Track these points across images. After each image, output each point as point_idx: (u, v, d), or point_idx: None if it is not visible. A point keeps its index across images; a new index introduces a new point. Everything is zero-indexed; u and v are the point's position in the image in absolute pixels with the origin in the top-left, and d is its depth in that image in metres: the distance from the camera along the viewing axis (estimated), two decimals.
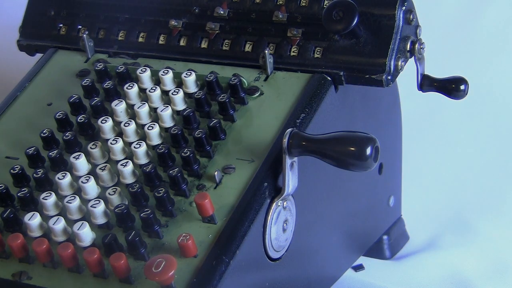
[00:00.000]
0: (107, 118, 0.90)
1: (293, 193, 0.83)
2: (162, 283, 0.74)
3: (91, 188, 0.84)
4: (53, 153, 0.88)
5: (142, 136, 0.89)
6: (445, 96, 0.94)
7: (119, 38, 1.01)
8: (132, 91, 0.93)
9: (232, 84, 0.90)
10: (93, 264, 0.77)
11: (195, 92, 0.91)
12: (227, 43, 0.96)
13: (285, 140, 0.80)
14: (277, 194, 0.82)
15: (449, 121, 1.34)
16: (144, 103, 0.90)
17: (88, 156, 0.88)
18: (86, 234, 0.80)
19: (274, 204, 0.82)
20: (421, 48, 0.92)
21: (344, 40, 0.91)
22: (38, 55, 1.05)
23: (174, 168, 0.83)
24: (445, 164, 1.28)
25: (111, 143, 0.87)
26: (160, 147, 0.85)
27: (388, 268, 1.08)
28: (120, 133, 0.89)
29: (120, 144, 0.87)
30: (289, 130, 0.81)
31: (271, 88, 0.91)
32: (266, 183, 0.82)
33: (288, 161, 0.81)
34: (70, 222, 0.82)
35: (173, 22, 0.99)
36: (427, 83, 0.94)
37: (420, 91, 0.95)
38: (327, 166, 0.82)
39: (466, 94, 0.93)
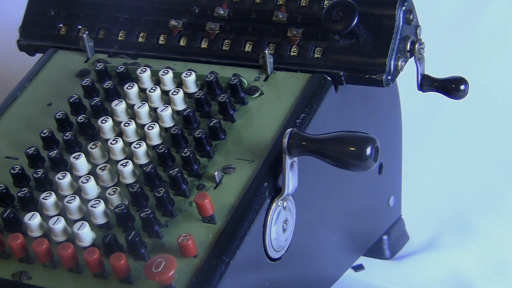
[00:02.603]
0: (107, 118, 0.90)
1: (293, 193, 0.83)
2: (162, 283, 0.74)
3: (91, 188, 0.84)
4: (53, 153, 0.88)
5: (142, 136, 0.89)
6: (445, 96, 0.94)
7: (119, 38, 1.01)
8: (132, 91, 0.93)
9: (232, 84, 0.90)
10: (93, 264, 0.77)
11: (195, 92, 0.91)
12: (227, 43, 0.96)
13: (285, 140, 0.80)
14: (277, 194, 0.82)
15: (449, 121, 1.34)
16: (144, 103, 0.90)
17: (88, 156, 0.88)
18: (86, 234, 0.80)
19: (274, 204, 0.82)
20: (421, 48, 0.92)
21: (344, 40, 0.91)
22: (38, 55, 1.06)
23: (174, 168, 0.83)
24: (445, 164, 1.28)
25: (111, 143, 0.87)
26: (160, 147, 0.85)
27: (388, 268, 1.08)
28: (120, 133, 0.89)
29: (120, 144, 0.87)
30: (289, 130, 0.81)
31: (271, 88, 0.91)
32: (266, 183, 0.82)
33: (288, 161, 0.81)
34: (70, 222, 0.82)
35: (173, 22, 0.99)
36: (427, 83, 0.94)
37: (420, 91, 0.95)
38: (327, 166, 0.82)
39: (466, 94, 0.93)
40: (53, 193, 0.84)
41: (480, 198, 1.21)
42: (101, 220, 0.82)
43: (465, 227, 1.15)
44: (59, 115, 0.92)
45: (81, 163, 0.87)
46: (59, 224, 0.81)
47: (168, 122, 0.89)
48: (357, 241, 1.03)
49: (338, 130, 0.81)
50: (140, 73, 0.94)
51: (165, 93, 0.92)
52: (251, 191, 0.82)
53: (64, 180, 0.85)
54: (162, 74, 0.92)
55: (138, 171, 0.86)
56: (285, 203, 0.83)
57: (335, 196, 0.94)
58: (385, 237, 1.09)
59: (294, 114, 0.87)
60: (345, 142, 0.79)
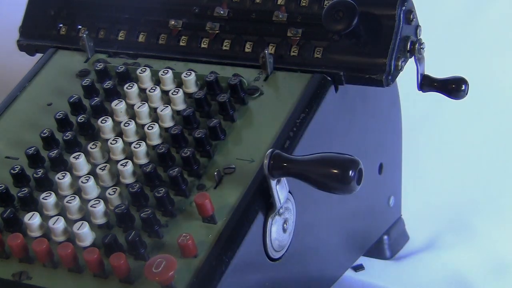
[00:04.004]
0: (107, 118, 0.90)
1: (285, 203, 0.83)
2: (162, 283, 0.74)
3: (91, 188, 0.84)
4: (53, 153, 0.88)
5: (142, 136, 0.89)
6: (445, 96, 0.94)
7: (119, 38, 1.01)
8: (132, 91, 0.93)
9: (232, 84, 0.90)
10: (93, 264, 0.77)
11: (195, 92, 0.91)
12: (227, 43, 0.96)
13: (266, 162, 0.79)
14: None
15: (449, 121, 1.34)
16: (144, 103, 0.90)
17: (88, 156, 0.88)
18: (86, 234, 0.80)
19: (270, 218, 0.81)
20: (421, 48, 0.92)
21: (344, 40, 0.91)
22: (38, 55, 1.06)
23: (174, 168, 0.83)
24: (445, 164, 1.28)
25: (111, 143, 0.87)
26: (160, 147, 0.85)
27: (388, 268, 1.08)
28: (120, 133, 0.89)
29: (120, 144, 0.87)
30: (270, 150, 0.79)
31: (271, 88, 0.91)
32: (266, 183, 0.82)
33: (272, 182, 0.80)
34: (70, 222, 0.82)
35: (173, 22, 0.99)
36: (427, 83, 0.94)
37: (420, 91, 0.95)
38: None
39: (466, 94, 0.93)
40: (53, 193, 0.84)
41: (480, 198, 1.21)
42: (101, 220, 0.82)
43: (465, 227, 1.15)
44: (59, 115, 0.92)
45: (81, 163, 0.87)
46: (59, 224, 0.81)
47: (168, 122, 0.89)
48: (357, 241, 1.03)
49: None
50: (140, 73, 0.94)
51: (165, 93, 0.92)
52: (251, 191, 0.81)
53: (64, 180, 0.85)
54: (162, 74, 0.92)
55: (138, 171, 0.86)
56: (281, 209, 0.83)
57: (335, 196, 0.94)
58: (385, 237, 1.09)
59: (294, 114, 0.87)
60: (327, 164, 0.77)
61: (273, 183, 0.80)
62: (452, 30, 1.42)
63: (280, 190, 0.81)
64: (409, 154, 1.14)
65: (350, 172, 0.76)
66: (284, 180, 0.82)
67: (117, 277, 0.78)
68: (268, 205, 0.82)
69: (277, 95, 0.90)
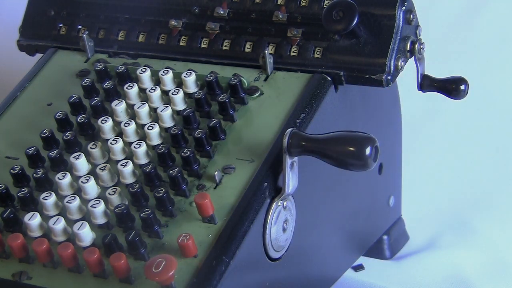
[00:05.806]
0: (107, 118, 0.90)
1: (293, 193, 0.83)
2: (162, 283, 0.74)
3: (91, 188, 0.84)
4: (53, 153, 0.88)
5: (142, 136, 0.89)
6: (445, 96, 0.94)
7: (119, 38, 1.01)
8: (132, 91, 0.93)
9: (232, 84, 0.90)
10: (93, 264, 0.77)
11: (195, 92, 0.91)
12: (227, 43, 0.96)
13: (285, 140, 0.81)
14: (277, 194, 0.82)
15: (449, 121, 1.34)
16: (144, 103, 0.90)
17: (88, 156, 0.88)
18: (86, 234, 0.80)
19: (274, 204, 0.82)
20: (421, 48, 0.92)
21: (344, 40, 0.91)
22: (38, 55, 1.06)
23: (174, 168, 0.83)
24: (445, 164, 1.28)
25: (111, 143, 0.87)
26: (160, 147, 0.85)
27: (388, 268, 1.08)
28: (120, 133, 0.89)
29: (120, 144, 0.87)
30: (289, 130, 0.81)
31: (271, 88, 0.91)
32: (266, 183, 0.82)
33: (288, 161, 0.81)
34: (70, 222, 0.82)
35: (173, 22, 0.99)
36: (427, 83, 0.94)
37: (420, 91, 0.95)
38: (327, 166, 0.82)
39: (466, 94, 0.93)
40: (53, 193, 0.84)
41: (480, 198, 1.21)
42: (101, 220, 0.82)
43: (465, 227, 1.15)
44: (59, 115, 0.92)
45: (81, 163, 0.87)
46: (59, 224, 0.81)
47: (168, 122, 0.89)
48: (357, 241, 1.03)
49: (338, 130, 0.81)
50: (140, 73, 0.94)
51: (165, 93, 0.92)
52: (251, 191, 0.82)
53: (64, 180, 0.85)
54: (162, 74, 0.92)
55: (138, 171, 0.86)
56: (285, 203, 0.83)
57: (335, 196, 0.94)
58: (385, 237, 1.09)
59: (294, 114, 0.87)
60: (344, 142, 0.79)
61: (288, 163, 0.80)
62: (452, 30, 1.42)
63: (292, 176, 0.82)
64: (409, 154, 1.14)
65: (367, 149, 0.78)
66: (296, 167, 0.82)
67: (117, 277, 0.78)
68: (275, 192, 0.82)
69: (277, 95, 0.90)
